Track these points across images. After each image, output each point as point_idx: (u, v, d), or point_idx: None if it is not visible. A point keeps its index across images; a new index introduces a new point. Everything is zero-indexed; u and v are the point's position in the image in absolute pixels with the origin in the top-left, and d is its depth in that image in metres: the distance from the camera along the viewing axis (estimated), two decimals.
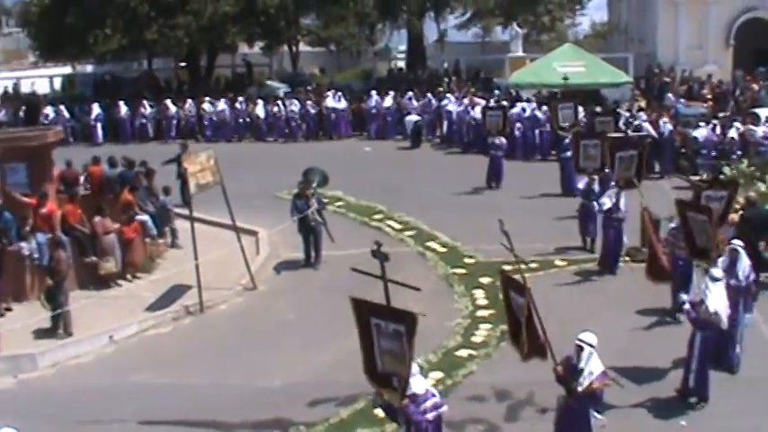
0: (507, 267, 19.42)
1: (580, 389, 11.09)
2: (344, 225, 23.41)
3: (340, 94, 40.31)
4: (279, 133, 39.66)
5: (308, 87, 45.10)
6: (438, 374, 14.62)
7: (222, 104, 40.65)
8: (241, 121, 40.49)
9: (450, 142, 36.48)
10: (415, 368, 10.74)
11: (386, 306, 10.90)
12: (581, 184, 21.41)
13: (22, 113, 42.10)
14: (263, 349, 16.25)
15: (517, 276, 12.02)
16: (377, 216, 24.75)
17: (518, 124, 33.16)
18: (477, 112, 33.39)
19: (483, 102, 34.97)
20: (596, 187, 20.63)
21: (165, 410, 13.88)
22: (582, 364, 11.09)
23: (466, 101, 36.07)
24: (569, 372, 11.19)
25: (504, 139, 28.12)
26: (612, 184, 19.84)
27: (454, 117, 36.31)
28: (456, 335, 16.34)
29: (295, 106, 39.69)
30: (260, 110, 39.87)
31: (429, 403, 10.67)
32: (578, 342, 11.17)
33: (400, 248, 21.70)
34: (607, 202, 19.27)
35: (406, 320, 10.43)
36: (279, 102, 40.28)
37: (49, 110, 41.21)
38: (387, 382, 10.87)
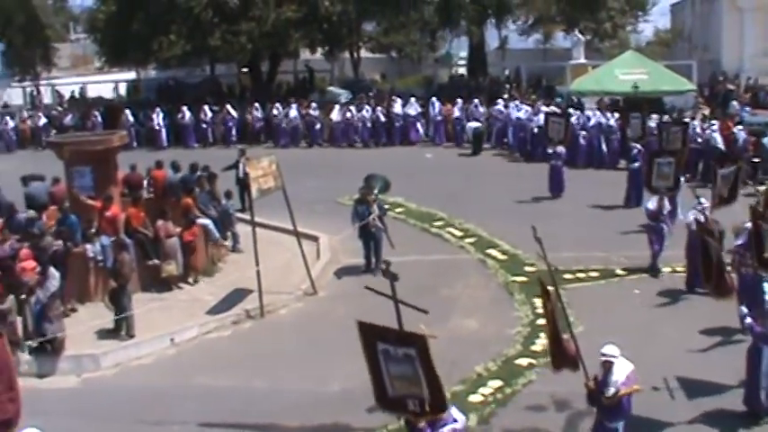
0: (567, 276, 19.54)
1: (606, 401, 11.02)
2: (405, 231, 23.39)
3: (413, 100, 40.09)
4: (348, 139, 39.71)
5: (370, 93, 45.16)
6: (497, 383, 14.54)
7: (294, 111, 40.86)
8: (318, 127, 40.57)
9: (512, 149, 36.18)
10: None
11: (394, 330, 10.74)
12: (651, 204, 20.32)
13: (100, 118, 42.63)
14: (322, 354, 16.26)
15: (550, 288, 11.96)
16: (437, 223, 24.69)
17: (582, 132, 32.80)
18: (541, 120, 33.16)
19: (545, 109, 34.73)
20: (666, 207, 20.06)
21: (224, 413, 13.96)
22: (610, 376, 11.03)
23: (530, 108, 35.79)
24: (600, 387, 11.12)
25: (562, 148, 27.74)
26: (703, 200, 18.95)
27: (515, 123, 36.02)
28: (516, 343, 16.22)
29: (366, 112, 39.72)
30: (334, 115, 39.96)
31: (447, 429, 10.50)
32: (603, 357, 11.09)
33: (461, 256, 21.65)
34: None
35: (417, 344, 10.29)
36: (351, 107, 40.29)
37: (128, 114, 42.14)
38: (401, 405, 10.74)
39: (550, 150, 27.70)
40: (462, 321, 17.33)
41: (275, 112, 41.21)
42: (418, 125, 39.68)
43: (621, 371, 10.99)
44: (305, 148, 39.99)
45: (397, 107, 39.69)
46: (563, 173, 27.59)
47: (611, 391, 10.97)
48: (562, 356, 11.89)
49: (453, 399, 13.76)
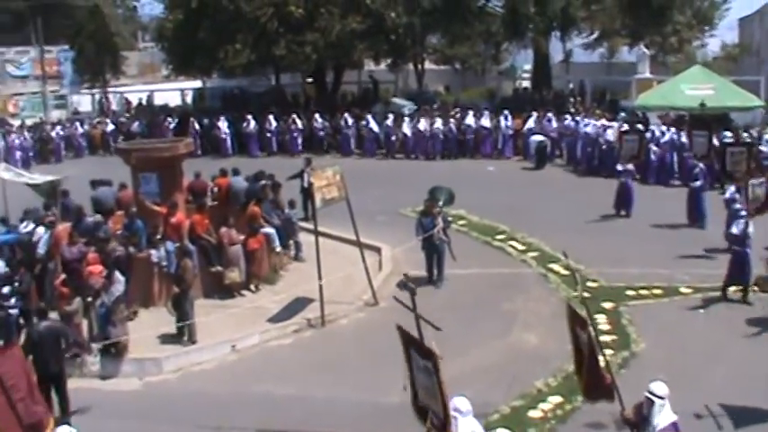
0: (630, 293, 19.31)
1: None
2: (467, 244, 23.29)
3: (487, 113, 39.83)
4: (420, 150, 39.61)
5: (434, 105, 45.15)
6: (557, 399, 14.39)
7: (373, 121, 41.11)
8: (394, 138, 40.44)
9: (577, 164, 35.71)
10: (465, 406, 10.50)
11: (419, 341, 10.81)
12: (735, 229, 19.31)
13: (172, 125, 43.25)
14: (382, 365, 16.18)
15: (582, 311, 11.72)
16: (499, 236, 24.56)
17: (654, 147, 32.21)
18: (609, 135, 32.83)
19: (614, 124, 34.35)
20: (751, 230, 19.13)
21: (283, 421, 14.01)
22: (651, 417, 10.46)
23: (597, 122, 35.32)
24: (639, 420, 10.67)
25: (632, 166, 27.23)
26: None
27: (584, 138, 35.54)
28: None
29: (440, 124, 39.55)
30: (406, 127, 39.94)
31: None
32: (647, 395, 10.51)
33: (522, 270, 21.52)
34: None
35: (432, 359, 10.29)
36: (423, 119, 40.16)
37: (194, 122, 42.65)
38: (424, 415, 10.71)
39: (620, 167, 27.05)
40: (523, 336, 17.19)
41: (342, 122, 41.37)
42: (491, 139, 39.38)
43: (665, 417, 10.42)
44: (369, 158, 40.20)
45: (470, 119, 39.35)
46: (633, 191, 26.93)
47: None
48: (597, 387, 11.61)
49: (513, 414, 13.74)
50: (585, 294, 12.65)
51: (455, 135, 39.36)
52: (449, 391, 10.07)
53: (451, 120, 39.76)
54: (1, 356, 11.16)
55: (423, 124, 39.72)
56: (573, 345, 11.98)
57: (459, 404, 10.48)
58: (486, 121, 39.17)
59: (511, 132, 38.89)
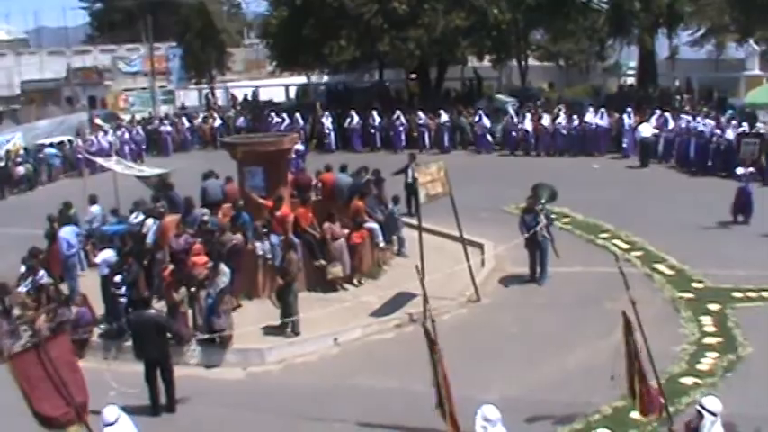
0: (737, 294, 18.84)
1: None
2: (570, 242, 23.05)
3: (603, 111, 38.97)
4: (543, 147, 39.13)
5: (538, 102, 44.79)
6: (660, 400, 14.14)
7: (486, 119, 40.96)
8: (515, 134, 40.14)
9: (689, 164, 34.21)
10: (494, 414, 10.37)
11: None
12: None
13: (301, 120, 43.77)
14: (482, 361, 16.19)
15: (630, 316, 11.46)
16: (603, 234, 24.21)
17: None
18: (728, 135, 31.95)
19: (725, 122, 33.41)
20: None
21: (384, 414, 14.05)
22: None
23: (713, 122, 34.22)
24: None
25: (752, 169, 26.09)
26: None
27: (697, 137, 34.17)
28: (681, 361, 15.67)
29: (562, 119, 39.20)
30: (528, 124, 39.60)
31: None
32: (698, 408, 10.16)
33: (626, 269, 21.08)
34: None
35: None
36: (545, 115, 39.84)
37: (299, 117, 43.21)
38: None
39: (740, 171, 25.74)
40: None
41: (444, 118, 41.37)
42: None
43: None
44: (476, 155, 40.13)
45: (589, 116, 38.70)
46: (752, 195, 25.52)
47: None
48: (649, 399, 11.39)
49: (615, 414, 13.53)
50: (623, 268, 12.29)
51: (577, 132, 38.76)
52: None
53: (574, 116, 39.10)
54: (53, 341, 11.54)
55: (546, 120, 39.31)
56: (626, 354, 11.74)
57: (488, 413, 10.37)
58: (601, 120, 38.48)
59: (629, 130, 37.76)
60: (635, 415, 13.46)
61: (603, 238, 23.89)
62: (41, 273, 19.15)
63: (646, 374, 11.39)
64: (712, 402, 10.10)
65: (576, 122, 38.71)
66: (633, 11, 45.53)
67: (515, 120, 40.20)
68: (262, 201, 20.42)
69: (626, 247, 22.96)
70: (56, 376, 11.00)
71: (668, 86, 49.97)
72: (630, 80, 56.36)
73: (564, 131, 38.78)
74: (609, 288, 19.43)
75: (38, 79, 68.08)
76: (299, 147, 33.56)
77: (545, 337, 17.16)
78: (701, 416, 10.04)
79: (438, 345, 11.66)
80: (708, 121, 34.27)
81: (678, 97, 45.03)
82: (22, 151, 40.39)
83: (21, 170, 38.06)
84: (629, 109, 38.46)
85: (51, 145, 41.76)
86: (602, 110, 39.15)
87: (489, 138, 40.78)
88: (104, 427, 10.88)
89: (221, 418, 14.50)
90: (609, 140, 38.41)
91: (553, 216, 21.96)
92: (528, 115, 39.97)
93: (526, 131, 39.44)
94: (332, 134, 42.53)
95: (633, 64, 56.76)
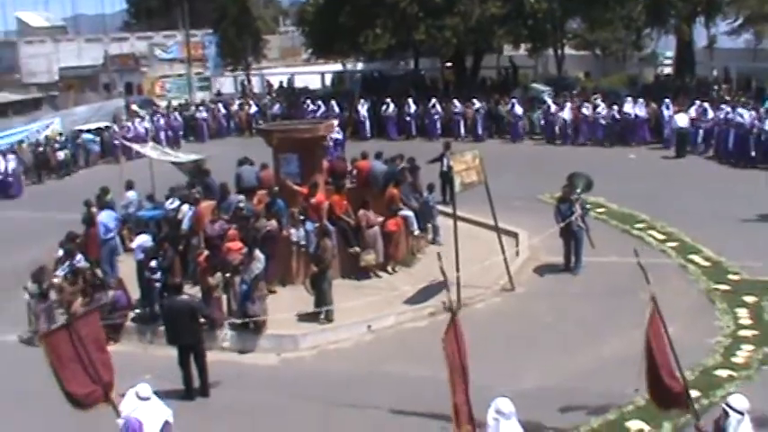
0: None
1: None
2: (605, 232, 22.89)
3: (642, 101, 38.49)
4: (582, 136, 38.86)
5: (574, 91, 44.52)
6: (694, 393, 13.97)
7: (518, 106, 40.75)
8: (552, 123, 39.90)
9: (729, 155, 33.51)
10: (508, 408, 10.32)
11: None
12: None
13: (337, 108, 43.89)
14: (517, 350, 16.17)
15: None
16: (639, 225, 24.03)
17: None
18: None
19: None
20: None
21: (415, 402, 14.06)
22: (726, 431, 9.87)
23: (754, 112, 33.42)
24: None
25: None
26: None
27: (737, 127, 33.39)
28: (715, 353, 15.53)
29: (602, 109, 38.81)
30: (566, 113, 39.29)
31: None
32: (724, 407, 9.94)
33: (661, 260, 21.01)
34: None
35: None
36: (587, 104, 39.51)
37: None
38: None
39: None
40: None
41: (476, 105, 41.19)
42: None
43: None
44: (507, 142, 40.07)
45: (628, 107, 38.20)
46: None
47: None
48: (668, 393, 11.27)
49: (648, 406, 13.35)
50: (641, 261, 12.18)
51: (617, 121, 38.32)
52: None
53: (614, 106, 38.63)
54: (84, 319, 11.65)
55: (587, 110, 39.02)
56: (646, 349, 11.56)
57: (502, 405, 10.32)
58: (639, 110, 38.00)
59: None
60: None
61: (639, 229, 23.72)
62: (79, 257, 19.36)
63: (663, 368, 11.25)
64: (739, 400, 9.91)
65: (615, 112, 38.33)
66: (670, 1, 45.13)
67: (552, 109, 39.92)
68: (296, 188, 20.47)
69: (661, 237, 22.79)
70: (84, 355, 11.15)
71: (706, 76, 49.47)
72: (667, 70, 55.85)
73: (603, 121, 38.43)
74: (643, 279, 19.35)
75: (76, 66, 68.61)
76: (338, 135, 33.70)
77: (579, 326, 17.11)
78: (726, 414, 9.86)
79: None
80: (745, 111, 33.72)
81: (716, 87, 44.53)
82: (60, 137, 40.70)
83: (59, 155, 38.42)
84: (667, 99, 37.97)
85: (89, 131, 42.07)
86: (641, 100, 38.72)
87: (521, 126, 40.61)
88: (139, 401, 11.01)
89: (254, 402, 14.58)
90: (647, 131, 37.97)
91: (588, 206, 21.84)
92: (569, 104, 39.60)
93: (565, 121, 39.19)
94: (367, 122, 42.52)
95: (670, 53, 56.22)
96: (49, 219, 27.12)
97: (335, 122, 27.62)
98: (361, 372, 15.69)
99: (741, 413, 9.78)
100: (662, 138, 37.15)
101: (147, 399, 11.06)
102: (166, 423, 11.11)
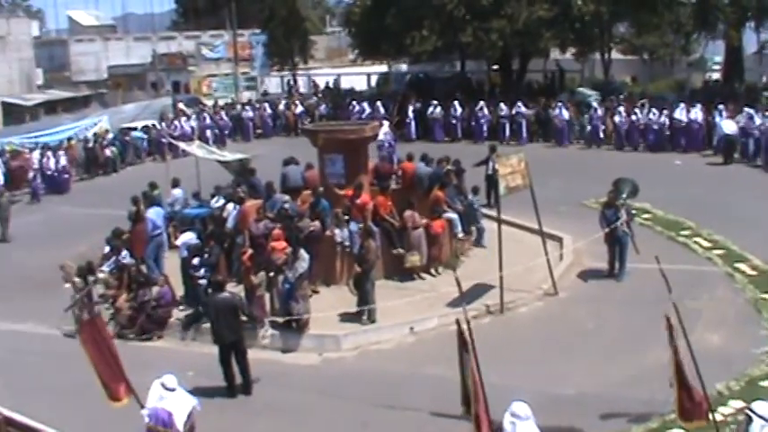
0: None
1: None
2: (650, 238, 22.65)
3: (699, 106, 37.71)
4: (632, 142, 38.37)
5: (621, 96, 44.17)
6: (738, 403, 13.85)
7: (565, 111, 40.41)
8: (590, 128, 39.57)
9: None
10: (524, 411, 10.31)
11: None
12: None
13: (383, 109, 43.78)
14: (559, 355, 16.11)
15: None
16: (684, 232, 23.79)
17: None
18: None
19: None
20: None
21: (455, 404, 13.99)
22: None
23: None
24: None
25: None
26: None
27: None
28: (761, 363, 15.35)
29: (654, 115, 38.19)
30: (618, 117, 38.83)
31: None
32: (747, 412, 9.86)
33: (707, 267, 20.85)
34: None
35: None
36: (636, 110, 38.99)
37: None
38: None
39: None
40: (705, 335, 16.54)
41: (522, 110, 41.02)
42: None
43: None
44: (552, 146, 39.80)
45: (678, 113, 37.64)
46: None
47: None
48: (692, 405, 11.19)
49: None
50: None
51: (663, 127, 37.84)
52: None
53: (664, 111, 38.13)
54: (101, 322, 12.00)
55: (639, 115, 38.54)
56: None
57: (518, 409, 10.31)
58: (696, 115, 37.39)
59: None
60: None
61: (685, 236, 23.48)
62: (124, 253, 19.59)
63: (686, 379, 11.21)
64: (763, 407, 9.80)
65: (666, 118, 37.95)
66: (719, 5, 44.64)
67: (599, 113, 39.63)
68: (340, 192, 20.55)
69: (707, 245, 22.54)
70: (106, 350, 11.37)
71: (755, 82, 48.87)
72: (716, 75, 55.23)
73: (656, 126, 38.02)
74: (689, 286, 19.22)
75: (124, 64, 69.20)
76: (390, 138, 33.68)
77: (622, 333, 17.00)
78: (749, 419, 9.77)
79: (469, 345, 11.48)
80: None
81: (765, 94, 43.97)
82: (108, 134, 41.13)
83: (107, 152, 38.85)
84: (720, 106, 37.37)
85: (137, 128, 42.49)
86: (699, 105, 38.13)
87: (568, 130, 40.32)
88: (166, 392, 11.17)
89: (295, 401, 14.66)
90: (698, 137, 37.49)
91: (633, 211, 21.67)
92: (621, 109, 39.24)
93: (615, 125, 38.82)
94: (412, 123, 42.51)
95: (719, 59, 55.56)
96: (96, 215, 27.47)
97: (386, 123, 27.61)
98: (402, 373, 15.71)
99: (766, 419, 9.66)
100: (711, 144, 36.63)
101: (173, 390, 11.21)
102: (191, 411, 11.36)
